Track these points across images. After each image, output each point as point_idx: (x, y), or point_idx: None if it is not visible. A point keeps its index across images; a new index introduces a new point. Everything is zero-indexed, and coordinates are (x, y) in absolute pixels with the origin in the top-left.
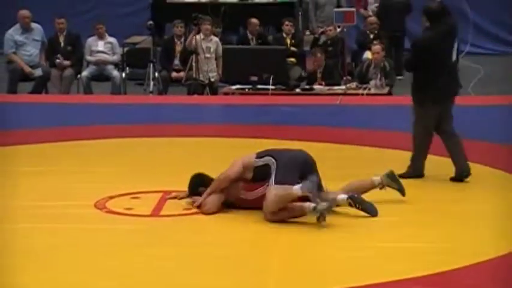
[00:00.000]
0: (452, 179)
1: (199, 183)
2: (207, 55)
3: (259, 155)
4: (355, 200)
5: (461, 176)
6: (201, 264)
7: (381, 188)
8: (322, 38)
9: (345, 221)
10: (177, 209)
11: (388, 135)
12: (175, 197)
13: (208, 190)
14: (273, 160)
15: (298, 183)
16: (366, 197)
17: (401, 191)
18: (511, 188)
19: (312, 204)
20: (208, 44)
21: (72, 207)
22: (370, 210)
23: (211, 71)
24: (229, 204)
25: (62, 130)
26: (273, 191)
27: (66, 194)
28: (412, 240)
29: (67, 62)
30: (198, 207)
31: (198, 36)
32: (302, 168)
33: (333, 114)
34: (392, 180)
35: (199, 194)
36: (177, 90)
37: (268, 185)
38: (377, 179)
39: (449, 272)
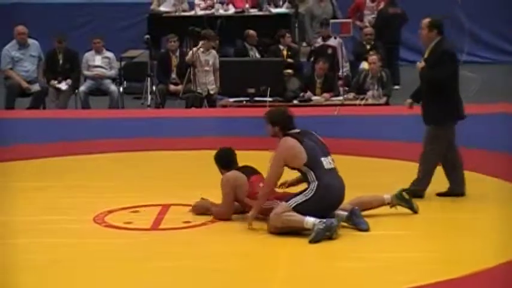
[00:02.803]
0: (441, 194)
1: (230, 160)
2: (206, 68)
3: (309, 162)
4: (352, 215)
5: (456, 193)
6: (201, 278)
7: (391, 207)
8: (329, 51)
9: (345, 232)
10: (177, 222)
11: (386, 145)
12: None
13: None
14: (315, 183)
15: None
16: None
17: (412, 209)
18: (509, 197)
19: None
20: (207, 58)
21: (71, 222)
22: (362, 226)
23: (209, 83)
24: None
25: (60, 145)
26: (285, 212)
27: (65, 209)
28: (413, 250)
29: (66, 86)
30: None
31: (196, 49)
32: (331, 205)
33: (330, 125)
34: (401, 200)
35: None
36: (175, 103)
37: (288, 200)
38: (387, 197)
39: (449, 281)
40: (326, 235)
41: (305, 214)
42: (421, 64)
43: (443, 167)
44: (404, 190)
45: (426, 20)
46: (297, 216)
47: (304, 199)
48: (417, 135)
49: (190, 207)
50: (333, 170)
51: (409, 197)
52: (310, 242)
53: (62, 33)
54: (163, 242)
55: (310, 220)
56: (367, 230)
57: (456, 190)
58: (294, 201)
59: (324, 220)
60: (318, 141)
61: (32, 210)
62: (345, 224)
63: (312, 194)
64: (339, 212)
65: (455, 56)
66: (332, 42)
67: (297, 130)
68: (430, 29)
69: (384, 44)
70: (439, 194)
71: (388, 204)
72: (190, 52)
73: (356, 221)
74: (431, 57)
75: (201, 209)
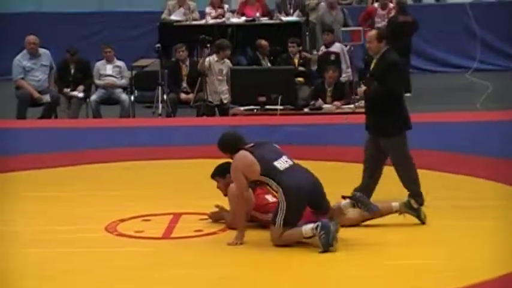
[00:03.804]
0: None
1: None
2: (219, 77)
3: (264, 171)
4: (359, 200)
5: None
6: (212, 286)
7: (399, 214)
8: (332, 57)
9: (354, 240)
10: (188, 231)
11: None
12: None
13: (232, 215)
14: (280, 190)
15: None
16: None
17: (420, 218)
18: None
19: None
20: (221, 67)
21: (83, 231)
22: (371, 209)
23: (223, 92)
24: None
25: (72, 154)
26: (281, 232)
27: (77, 218)
28: (421, 257)
29: (80, 94)
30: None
31: (211, 58)
32: (310, 197)
33: (341, 132)
34: (410, 209)
35: (224, 178)
36: (186, 112)
37: (275, 222)
38: (395, 205)
39: None
40: (330, 249)
41: (295, 223)
42: (361, 89)
43: (365, 168)
44: (405, 203)
45: (374, 32)
46: (294, 232)
47: (283, 214)
48: (429, 143)
49: (206, 215)
50: (292, 167)
51: (418, 206)
52: (322, 252)
53: (73, 46)
54: (174, 251)
55: (307, 228)
56: (376, 212)
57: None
58: (278, 221)
59: (319, 223)
60: (270, 148)
61: (44, 219)
62: (354, 231)
63: (285, 204)
64: (344, 202)
65: (401, 65)
66: (335, 48)
67: (250, 144)
68: (380, 40)
69: (394, 52)
70: (344, 197)
71: (397, 211)
72: (202, 60)
73: (366, 207)
74: (377, 69)
75: (218, 217)
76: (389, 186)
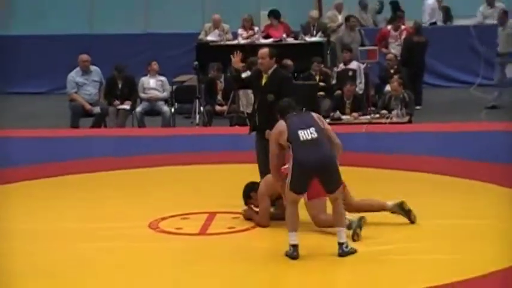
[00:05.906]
0: None
1: (251, 189)
2: None
3: (289, 137)
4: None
5: None
6: (245, 281)
7: (391, 212)
8: (350, 73)
9: (364, 235)
10: (223, 228)
11: (408, 158)
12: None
13: (261, 213)
14: (292, 158)
15: None
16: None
17: (410, 219)
18: None
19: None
20: None
21: (128, 228)
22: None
23: None
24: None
25: (119, 160)
26: (289, 194)
27: (123, 216)
28: (427, 252)
29: (127, 107)
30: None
31: (246, 74)
32: (316, 174)
33: (359, 141)
34: (401, 210)
35: (251, 198)
36: (220, 122)
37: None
38: (389, 204)
39: (460, 283)
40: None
41: (298, 192)
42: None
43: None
44: (397, 204)
45: (265, 50)
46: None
47: (290, 177)
48: (437, 150)
49: (238, 214)
50: (312, 141)
51: (408, 208)
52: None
53: (121, 64)
54: (210, 246)
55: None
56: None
57: None
58: (287, 183)
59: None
60: (304, 118)
61: (94, 218)
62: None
63: (292, 170)
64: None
65: (291, 80)
66: (352, 65)
67: (294, 113)
68: (271, 57)
69: (410, 70)
70: None
71: (389, 210)
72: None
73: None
74: (272, 83)
75: (248, 216)
76: (404, 187)
